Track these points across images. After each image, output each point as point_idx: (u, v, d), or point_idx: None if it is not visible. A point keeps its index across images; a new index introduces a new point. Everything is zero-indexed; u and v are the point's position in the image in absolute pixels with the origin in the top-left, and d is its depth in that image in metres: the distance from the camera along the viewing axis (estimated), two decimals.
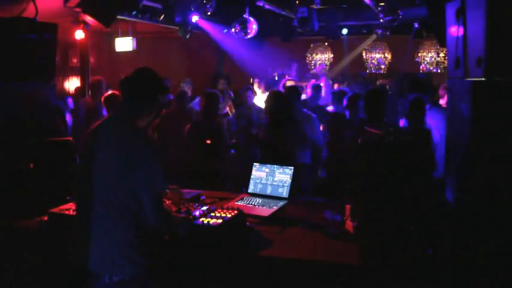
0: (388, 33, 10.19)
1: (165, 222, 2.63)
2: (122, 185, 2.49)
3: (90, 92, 7.14)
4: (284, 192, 3.66)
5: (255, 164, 3.90)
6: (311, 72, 12.88)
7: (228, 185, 5.12)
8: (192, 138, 5.14)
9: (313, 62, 12.56)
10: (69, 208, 3.21)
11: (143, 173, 2.48)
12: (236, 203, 3.60)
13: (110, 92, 5.70)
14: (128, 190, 2.49)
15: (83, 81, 8.21)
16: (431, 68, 11.36)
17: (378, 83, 12.21)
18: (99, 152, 2.55)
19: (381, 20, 8.44)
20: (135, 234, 2.53)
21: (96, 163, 2.54)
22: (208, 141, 5.06)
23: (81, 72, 8.45)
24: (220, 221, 2.92)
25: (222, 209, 3.16)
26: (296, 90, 5.92)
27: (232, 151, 5.96)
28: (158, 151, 2.64)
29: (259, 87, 8.79)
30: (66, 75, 11.46)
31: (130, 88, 2.66)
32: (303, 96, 7.65)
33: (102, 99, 5.61)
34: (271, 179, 3.76)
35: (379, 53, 12.07)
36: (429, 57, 11.24)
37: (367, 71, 12.59)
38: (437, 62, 11.23)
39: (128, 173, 2.47)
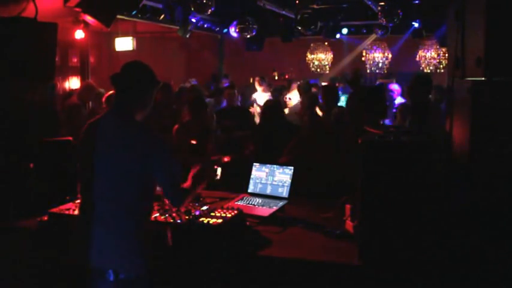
0: (384, 32, 10.20)
1: (185, 200, 2.74)
2: (131, 182, 2.50)
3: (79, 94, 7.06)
4: (284, 192, 3.66)
5: (254, 164, 3.90)
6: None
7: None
8: (178, 138, 5.16)
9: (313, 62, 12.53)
10: (69, 208, 3.21)
11: (157, 164, 2.53)
12: (236, 203, 3.60)
13: (110, 92, 5.70)
14: (137, 187, 2.52)
15: (82, 81, 8.22)
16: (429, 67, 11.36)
17: (377, 82, 12.21)
18: (102, 149, 2.54)
19: (381, 21, 8.44)
20: (142, 233, 2.55)
21: (101, 159, 2.54)
22: (193, 142, 5.09)
23: (81, 72, 8.46)
24: (220, 221, 2.92)
25: (222, 209, 3.16)
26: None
27: None
28: (166, 142, 2.66)
29: (260, 85, 8.80)
30: (66, 75, 11.46)
31: (121, 83, 2.64)
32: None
33: (103, 99, 5.62)
34: (271, 178, 3.76)
35: (379, 52, 12.05)
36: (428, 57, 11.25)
37: (368, 71, 12.60)
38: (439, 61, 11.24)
39: (138, 169, 2.49)
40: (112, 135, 2.57)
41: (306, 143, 4.52)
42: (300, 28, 9.28)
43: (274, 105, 5.57)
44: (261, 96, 8.75)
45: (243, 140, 5.60)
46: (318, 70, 12.39)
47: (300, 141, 4.58)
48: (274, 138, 5.08)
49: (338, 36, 10.43)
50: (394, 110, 6.50)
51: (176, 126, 5.28)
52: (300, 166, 3.79)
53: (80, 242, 2.61)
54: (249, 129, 5.75)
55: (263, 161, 3.89)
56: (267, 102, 5.86)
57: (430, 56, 11.36)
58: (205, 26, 9.65)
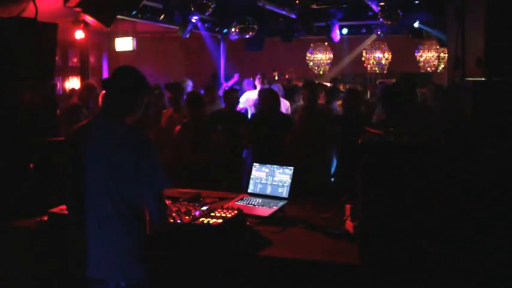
0: (383, 32, 10.21)
1: (167, 218, 2.71)
2: (126, 186, 2.48)
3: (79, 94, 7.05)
4: (284, 192, 3.66)
5: (254, 164, 3.90)
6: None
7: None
8: (180, 139, 5.18)
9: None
10: None
11: (145, 171, 2.48)
12: (236, 203, 3.60)
13: (104, 92, 5.73)
14: (132, 190, 2.49)
15: (82, 81, 8.23)
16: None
17: (377, 82, 12.22)
18: (95, 154, 2.51)
19: (381, 20, 8.44)
20: (141, 239, 2.53)
21: (94, 164, 2.50)
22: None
23: (81, 72, 8.48)
24: (220, 221, 2.92)
25: (222, 209, 3.16)
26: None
27: None
28: (156, 148, 2.64)
29: (260, 83, 8.66)
30: (66, 75, 11.47)
31: (112, 87, 2.64)
32: None
33: (100, 98, 5.67)
34: (271, 179, 3.76)
35: (379, 52, 12.05)
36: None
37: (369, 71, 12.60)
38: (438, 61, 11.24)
39: (132, 173, 2.47)
40: (103, 139, 2.53)
41: (302, 137, 4.56)
42: (300, 28, 9.29)
43: (273, 94, 5.72)
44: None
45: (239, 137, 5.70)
46: (317, 70, 12.40)
47: (295, 136, 4.63)
48: (269, 128, 5.30)
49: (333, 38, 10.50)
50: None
51: (178, 127, 5.30)
52: (299, 164, 3.81)
53: (73, 250, 2.60)
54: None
55: (262, 161, 3.89)
56: (265, 91, 6.01)
57: (429, 56, 11.37)
58: (205, 26, 9.66)
